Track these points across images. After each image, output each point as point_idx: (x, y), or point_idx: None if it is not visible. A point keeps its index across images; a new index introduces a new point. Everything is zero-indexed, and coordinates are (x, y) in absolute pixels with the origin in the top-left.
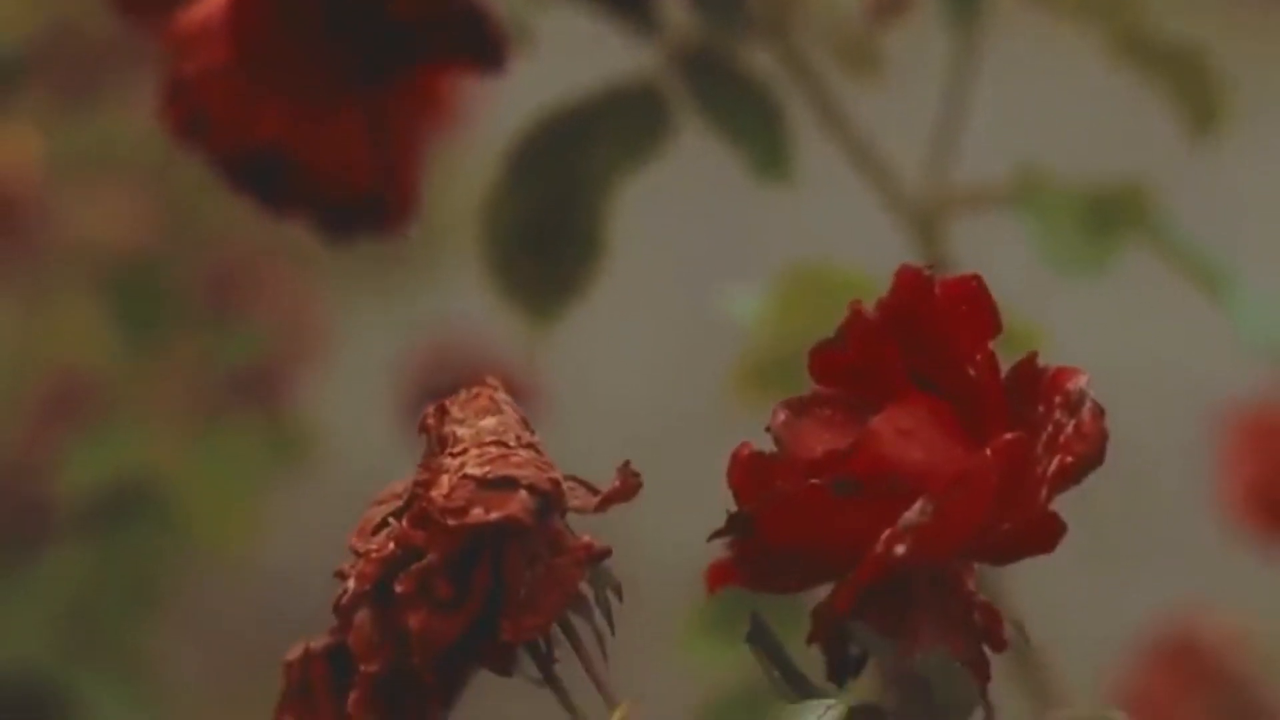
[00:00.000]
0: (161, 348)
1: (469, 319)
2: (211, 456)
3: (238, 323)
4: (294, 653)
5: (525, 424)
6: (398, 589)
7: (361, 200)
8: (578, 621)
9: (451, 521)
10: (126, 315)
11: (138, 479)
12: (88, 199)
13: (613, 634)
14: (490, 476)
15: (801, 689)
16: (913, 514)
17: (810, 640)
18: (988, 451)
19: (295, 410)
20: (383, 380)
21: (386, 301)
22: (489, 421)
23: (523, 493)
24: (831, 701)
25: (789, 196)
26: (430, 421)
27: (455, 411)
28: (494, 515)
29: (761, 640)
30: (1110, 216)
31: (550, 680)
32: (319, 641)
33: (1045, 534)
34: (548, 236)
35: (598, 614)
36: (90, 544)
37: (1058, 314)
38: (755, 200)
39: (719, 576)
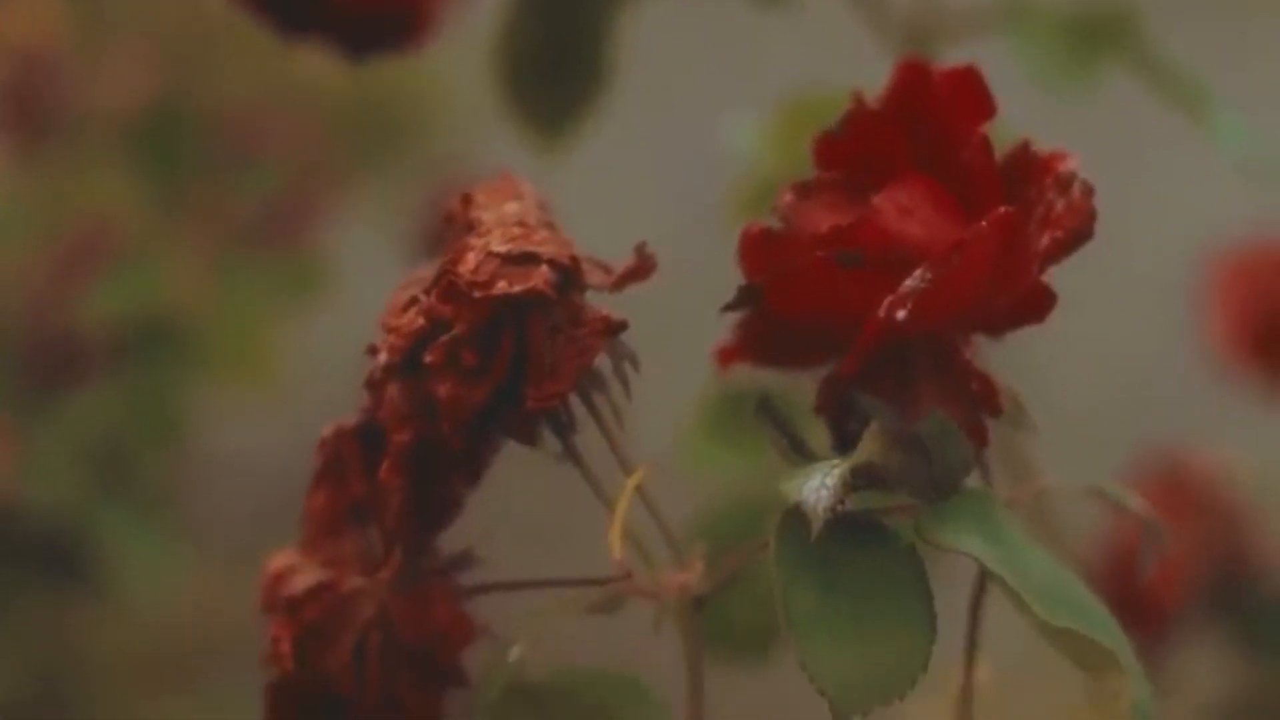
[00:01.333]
0: (182, 193)
1: (481, 162)
2: (231, 292)
3: (255, 166)
4: (327, 431)
5: (545, 208)
6: (427, 359)
7: (383, 16)
8: (596, 396)
9: (478, 294)
10: (148, 163)
11: (160, 315)
12: (108, 56)
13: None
14: (514, 252)
15: (807, 457)
16: (913, 281)
17: (816, 410)
18: (983, 224)
19: (312, 249)
20: (397, 221)
21: (400, 144)
22: (512, 206)
23: (544, 267)
24: (836, 461)
25: (785, 28)
26: (456, 208)
27: (480, 198)
28: (517, 288)
29: (769, 414)
30: (1096, 38)
31: (570, 451)
32: (351, 419)
33: (1038, 305)
34: (557, 63)
35: (616, 387)
36: (116, 382)
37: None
38: (753, 31)
39: (729, 356)
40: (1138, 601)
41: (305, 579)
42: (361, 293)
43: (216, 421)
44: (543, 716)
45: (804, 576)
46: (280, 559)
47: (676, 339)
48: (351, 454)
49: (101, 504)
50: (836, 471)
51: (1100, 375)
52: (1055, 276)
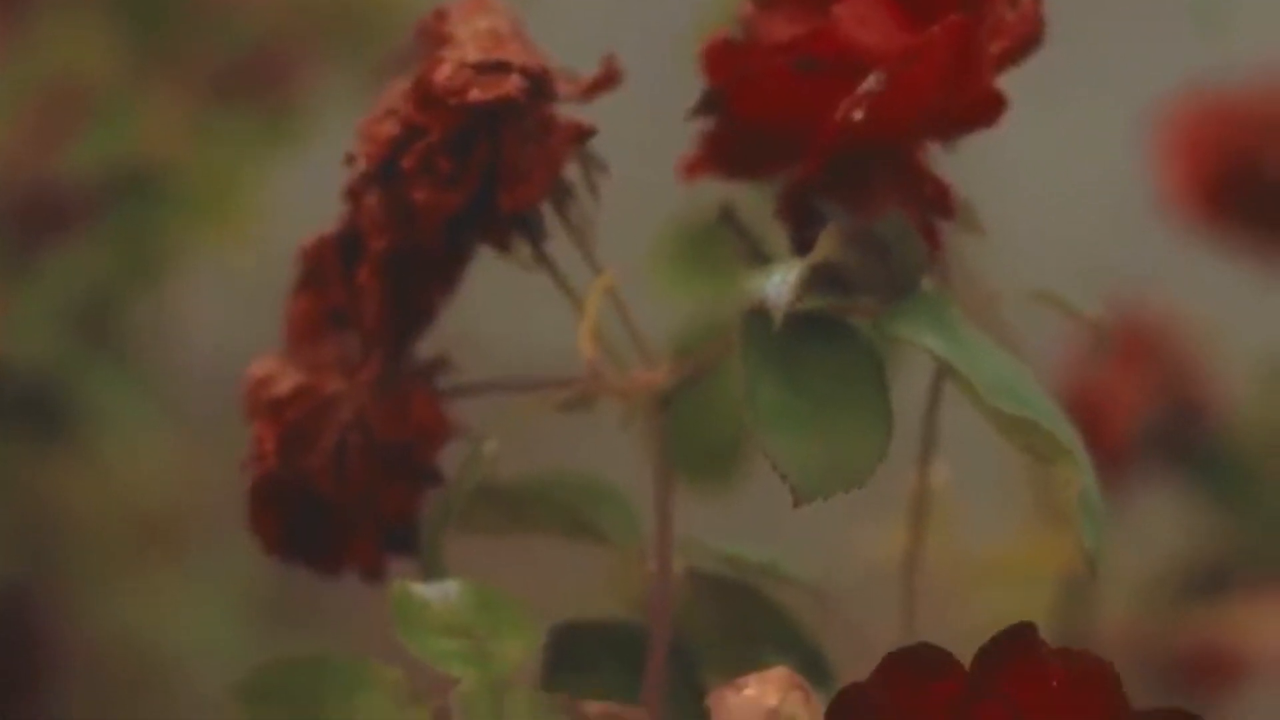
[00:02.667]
0: (160, 45)
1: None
2: (209, 145)
3: (235, 16)
4: (307, 240)
5: (517, 25)
6: (403, 165)
7: None
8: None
9: (452, 101)
10: (125, 15)
11: (139, 168)
12: None
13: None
14: (487, 61)
15: (767, 259)
16: (869, 83)
17: (776, 215)
18: (936, 30)
19: (292, 98)
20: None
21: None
22: (484, 21)
23: (516, 75)
24: (795, 262)
25: None
26: (430, 23)
27: (454, 15)
28: (490, 94)
29: (731, 221)
30: None
31: (540, 256)
32: (331, 229)
33: (989, 110)
34: None
35: (585, 196)
36: (97, 236)
37: None
38: None
39: (693, 167)
40: (1088, 445)
41: (287, 382)
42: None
43: (195, 280)
44: (513, 516)
45: (768, 371)
46: (262, 365)
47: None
48: (331, 261)
49: (83, 360)
50: (796, 269)
51: (1056, 224)
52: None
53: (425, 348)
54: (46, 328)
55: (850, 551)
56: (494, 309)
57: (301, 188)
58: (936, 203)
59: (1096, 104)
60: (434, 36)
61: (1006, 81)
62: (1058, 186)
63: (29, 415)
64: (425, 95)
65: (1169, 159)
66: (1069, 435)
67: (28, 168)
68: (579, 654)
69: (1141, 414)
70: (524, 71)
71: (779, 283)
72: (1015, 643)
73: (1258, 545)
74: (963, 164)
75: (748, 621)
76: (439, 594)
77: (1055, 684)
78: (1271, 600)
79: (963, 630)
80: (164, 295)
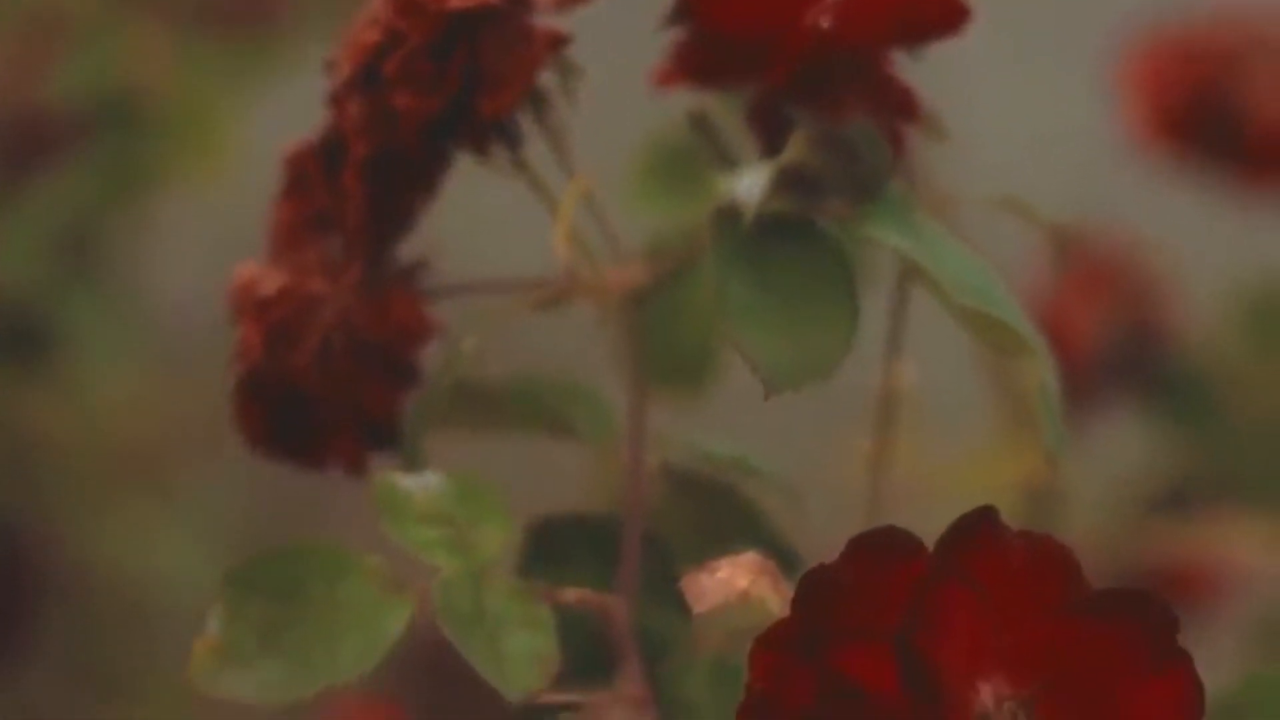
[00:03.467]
0: None
1: None
2: (192, 74)
3: None
4: (290, 148)
5: None
6: (385, 71)
7: None
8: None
9: (433, 7)
10: None
11: (122, 95)
12: None
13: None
14: None
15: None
16: None
17: (747, 121)
18: None
19: (274, 30)
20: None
21: None
22: None
23: None
24: (765, 165)
25: None
26: None
27: None
28: (470, 1)
29: (701, 127)
30: None
31: (518, 163)
32: (313, 136)
33: (952, 18)
34: None
35: (561, 103)
36: (81, 164)
37: None
38: None
39: (665, 77)
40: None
41: (272, 283)
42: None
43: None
44: (491, 414)
45: (737, 269)
46: (248, 268)
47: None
48: (314, 167)
49: (63, 289)
50: (765, 171)
51: (1019, 149)
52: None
53: (406, 252)
54: (27, 255)
55: (819, 466)
56: (473, 218)
57: (282, 118)
58: (902, 107)
59: (1060, 39)
60: None
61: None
62: (1021, 121)
63: (8, 343)
64: (407, 2)
65: (1132, 91)
66: (1031, 332)
67: (10, 96)
68: (556, 546)
69: (1103, 338)
70: None
71: (749, 184)
72: (978, 525)
73: (1216, 464)
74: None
75: (720, 517)
76: (421, 485)
77: (1017, 564)
78: (1229, 516)
79: (927, 535)
80: (145, 225)
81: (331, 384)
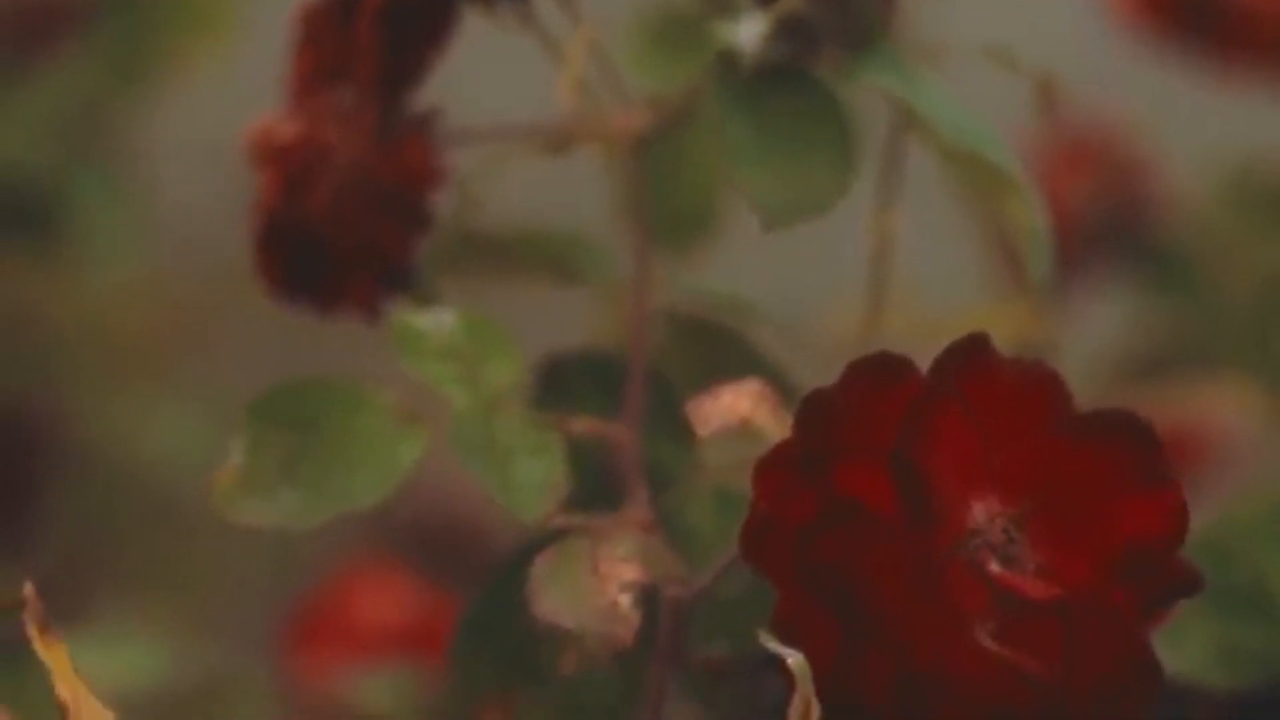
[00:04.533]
0: None
1: None
2: None
3: None
4: (306, 3)
5: None
6: None
7: None
8: None
9: None
10: None
11: None
12: None
13: None
14: None
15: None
16: None
17: None
18: None
19: None
20: None
21: None
22: None
23: None
24: (762, 13)
25: None
26: None
27: None
28: None
29: None
30: None
31: (524, 13)
32: None
33: None
34: None
35: None
36: (86, 47)
37: None
38: None
39: None
40: None
41: (289, 131)
42: None
43: (184, 93)
44: (499, 260)
45: (737, 112)
46: (266, 118)
47: None
48: (329, 19)
49: (71, 173)
50: (763, 18)
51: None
52: None
53: (418, 101)
54: (33, 140)
55: (815, 320)
56: (481, 73)
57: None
58: None
59: None
60: None
61: None
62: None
63: (15, 227)
64: None
65: None
66: (1020, 173)
67: None
68: (564, 381)
69: (1088, 210)
70: None
71: (747, 31)
72: (971, 349)
73: (1198, 333)
74: None
75: (722, 359)
76: (434, 322)
77: (1007, 387)
78: (1209, 383)
79: None
80: (152, 109)
81: (347, 228)
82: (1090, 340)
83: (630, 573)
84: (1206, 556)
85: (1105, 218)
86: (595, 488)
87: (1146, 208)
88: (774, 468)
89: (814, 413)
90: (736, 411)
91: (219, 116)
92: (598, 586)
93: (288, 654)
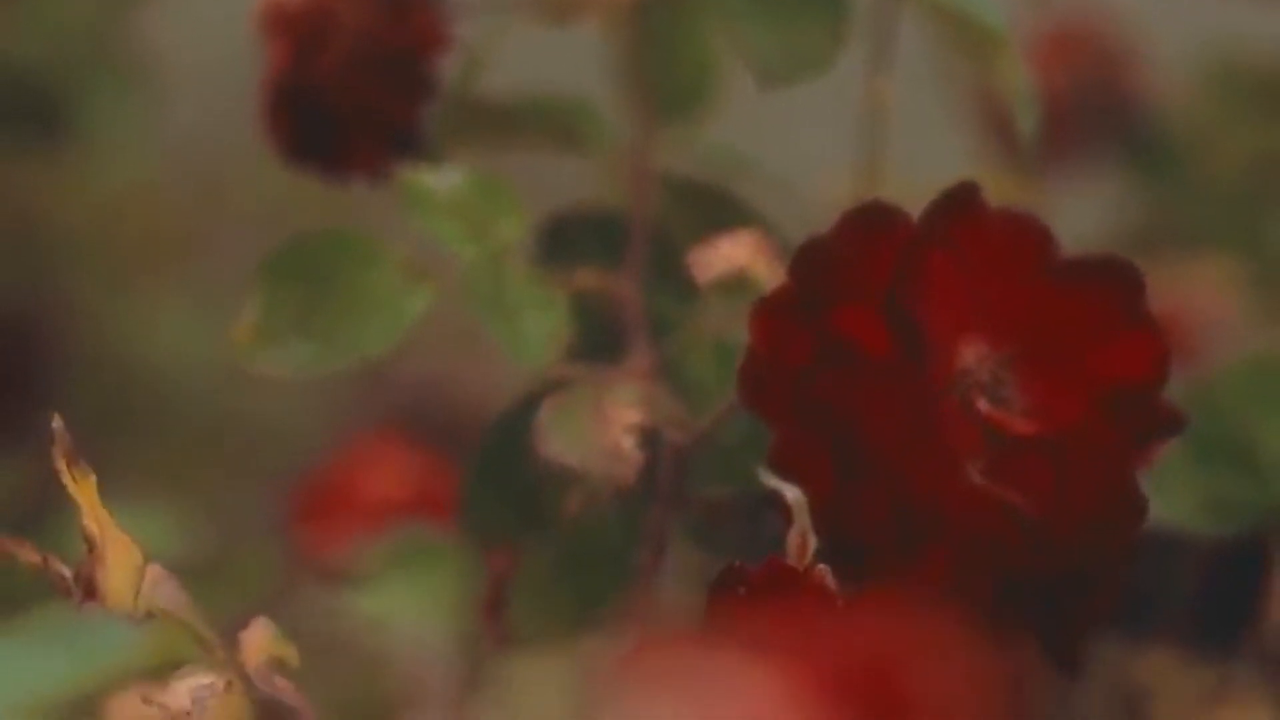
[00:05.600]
0: None
1: None
2: None
3: None
4: None
5: None
6: None
7: None
8: None
9: None
10: None
11: None
12: None
13: None
14: None
15: None
16: None
17: None
18: None
19: None
20: None
21: None
22: None
23: None
24: None
25: None
26: None
27: None
28: None
29: None
30: None
31: None
32: None
33: None
34: None
35: None
36: None
37: None
38: None
39: None
40: None
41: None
42: None
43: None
44: (503, 128)
45: None
46: None
47: None
48: None
49: (82, 71)
50: None
51: None
52: None
53: None
54: (44, 41)
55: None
56: None
57: None
58: None
59: None
60: None
61: None
62: None
63: (23, 125)
64: None
65: None
66: (1008, 31)
67: None
68: (568, 239)
69: (1073, 97)
70: None
71: None
72: (960, 198)
73: (1182, 219)
74: None
75: (720, 221)
76: (441, 180)
77: (996, 233)
78: (1195, 267)
79: None
80: (160, 10)
81: (354, 94)
82: (1077, 226)
83: (633, 416)
84: (1194, 411)
85: (1092, 106)
86: (598, 341)
87: (1133, 95)
88: (771, 312)
89: (810, 259)
90: (734, 260)
91: (226, 15)
92: (602, 429)
93: (294, 528)
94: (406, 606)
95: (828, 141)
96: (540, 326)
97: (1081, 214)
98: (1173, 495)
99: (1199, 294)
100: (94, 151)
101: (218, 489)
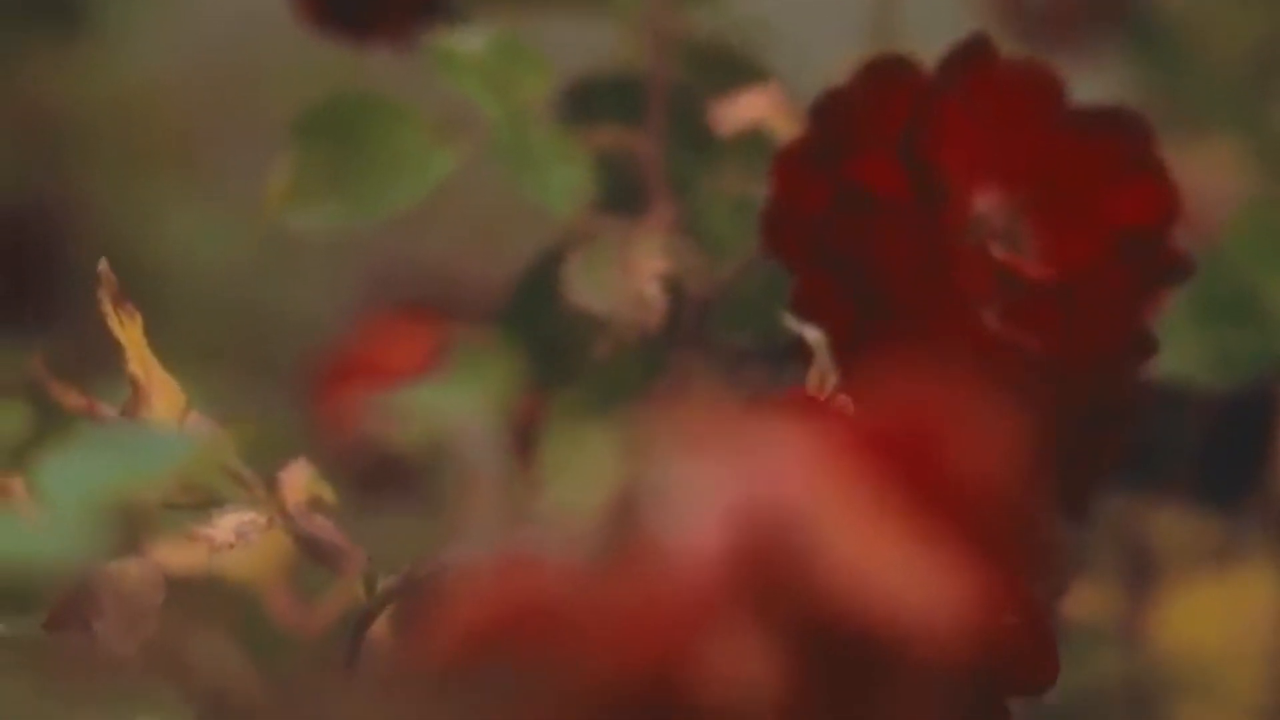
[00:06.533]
0: None
1: None
2: None
3: None
4: None
5: None
6: None
7: None
8: None
9: None
10: None
11: None
12: None
13: None
14: None
15: None
16: None
17: None
18: None
19: None
20: None
21: None
22: None
23: None
24: None
25: None
26: None
27: None
28: None
29: None
30: None
31: None
32: None
33: None
34: None
35: None
36: None
37: None
38: None
39: None
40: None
41: None
42: None
43: None
44: None
45: None
46: None
47: None
48: None
49: None
50: None
51: None
52: None
53: None
54: None
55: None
56: None
57: None
58: None
59: None
60: None
61: None
62: None
63: (44, 19)
64: None
65: None
66: None
67: None
68: (591, 100)
69: None
70: None
71: None
72: (973, 48)
73: (1187, 101)
74: None
75: (742, 82)
76: (469, 41)
77: (1009, 82)
78: (1199, 149)
79: None
80: None
81: None
82: None
83: (656, 265)
84: (1201, 266)
85: None
86: (621, 199)
87: None
88: (790, 162)
89: (827, 109)
90: (753, 114)
91: None
92: (627, 278)
93: (319, 399)
94: (459, 402)
95: (843, 23)
96: (565, 179)
97: (1087, 98)
98: (1178, 349)
99: (1203, 176)
100: (109, 46)
101: (231, 379)
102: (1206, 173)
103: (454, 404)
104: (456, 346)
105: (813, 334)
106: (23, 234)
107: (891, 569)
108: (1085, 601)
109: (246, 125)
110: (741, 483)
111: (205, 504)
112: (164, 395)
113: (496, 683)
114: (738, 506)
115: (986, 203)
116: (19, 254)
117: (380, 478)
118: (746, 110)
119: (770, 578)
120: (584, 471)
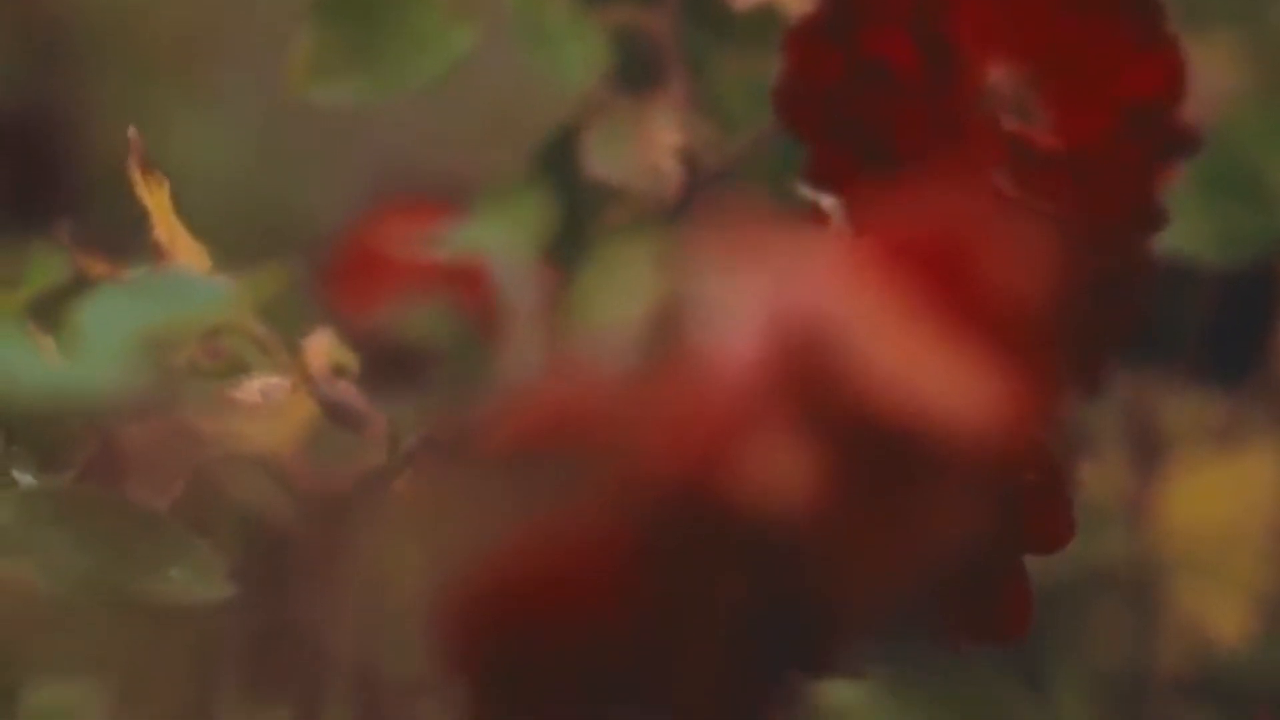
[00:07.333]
0: None
1: None
2: None
3: None
4: None
5: None
6: None
7: None
8: None
9: None
10: None
11: None
12: None
13: None
14: None
15: None
16: None
17: None
18: None
19: None
20: None
21: None
22: None
23: None
24: None
25: None
26: None
27: None
28: None
29: None
30: None
31: None
32: None
33: None
34: None
35: None
36: None
37: None
38: None
39: None
40: None
41: None
42: None
43: None
44: None
45: None
46: None
47: None
48: None
49: None
50: None
51: None
52: None
53: None
54: None
55: None
56: None
57: None
58: None
59: None
60: None
61: None
62: None
63: None
64: None
65: None
66: None
67: None
68: None
69: None
70: None
71: None
72: None
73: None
74: None
75: None
76: None
77: None
78: (1197, 50)
79: None
80: None
81: None
82: None
83: (672, 138)
84: (1206, 145)
85: None
86: (637, 76)
87: None
88: (803, 34)
89: None
90: None
91: None
92: (643, 149)
93: (328, 288)
94: (497, 235)
95: None
96: (580, 53)
97: None
98: (1184, 226)
99: (1202, 73)
100: None
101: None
102: (1206, 71)
103: (488, 238)
104: (485, 190)
105: (828, 201)
106: (28, 137)
107: (924, 370)
108: (1090, 480)
109: (253, 34)
110: (778, 292)
111: (231, 370)
112: (189, 259)
113: (544, 478)
114: (775, 314)
115: (998, 75)
116: (26, 155)
117: (392, 370)
118: None
119: (807, 382)
120: (623, 287)
